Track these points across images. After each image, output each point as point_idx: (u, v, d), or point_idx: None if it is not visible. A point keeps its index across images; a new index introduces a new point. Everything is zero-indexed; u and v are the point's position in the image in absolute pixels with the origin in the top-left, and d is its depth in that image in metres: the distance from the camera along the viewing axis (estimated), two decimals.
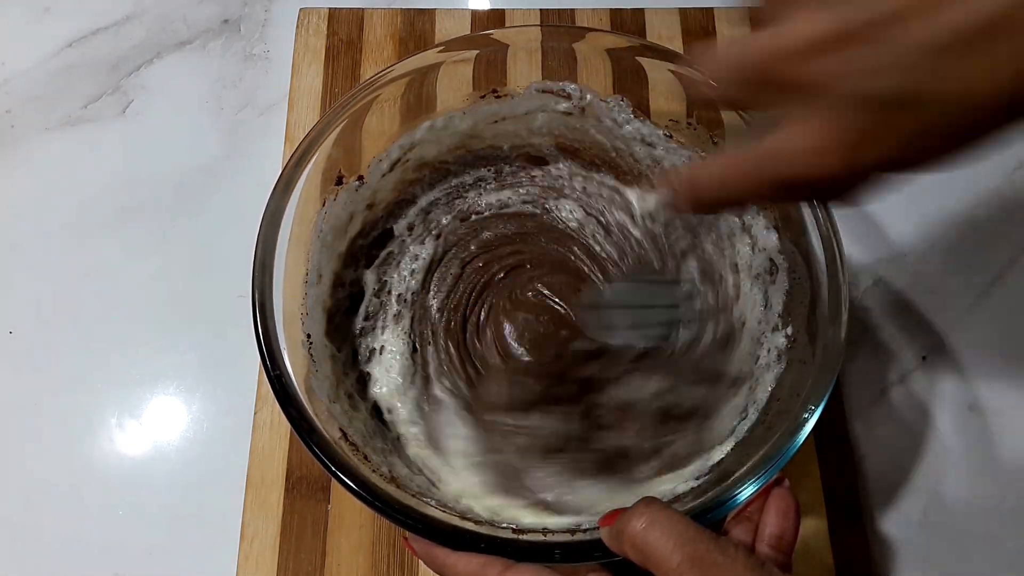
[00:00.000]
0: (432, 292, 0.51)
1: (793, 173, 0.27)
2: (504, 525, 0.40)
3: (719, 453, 0.42)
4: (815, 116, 0.26)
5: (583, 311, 0.48)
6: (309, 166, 0.43)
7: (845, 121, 0.25)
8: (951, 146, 0.26)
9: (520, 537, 0.36)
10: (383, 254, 0.51)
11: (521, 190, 0.54)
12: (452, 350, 0.49)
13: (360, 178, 0.48)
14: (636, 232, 0.52)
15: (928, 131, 0.25)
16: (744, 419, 0.43)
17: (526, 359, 0.48)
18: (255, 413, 0.50)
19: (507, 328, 0.49)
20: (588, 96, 0.50)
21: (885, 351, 0.54)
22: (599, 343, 0.46)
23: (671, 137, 0.49)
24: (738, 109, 0.34)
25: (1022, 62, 0.23)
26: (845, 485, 0.49)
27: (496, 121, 0.51)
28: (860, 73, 0.25)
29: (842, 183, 0.27)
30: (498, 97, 0.50)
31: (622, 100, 0.49)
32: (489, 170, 0.54)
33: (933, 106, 0.24)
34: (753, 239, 0.48)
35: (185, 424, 0.51)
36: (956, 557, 0.48)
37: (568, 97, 0.50)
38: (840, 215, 0.42)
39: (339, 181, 0.47)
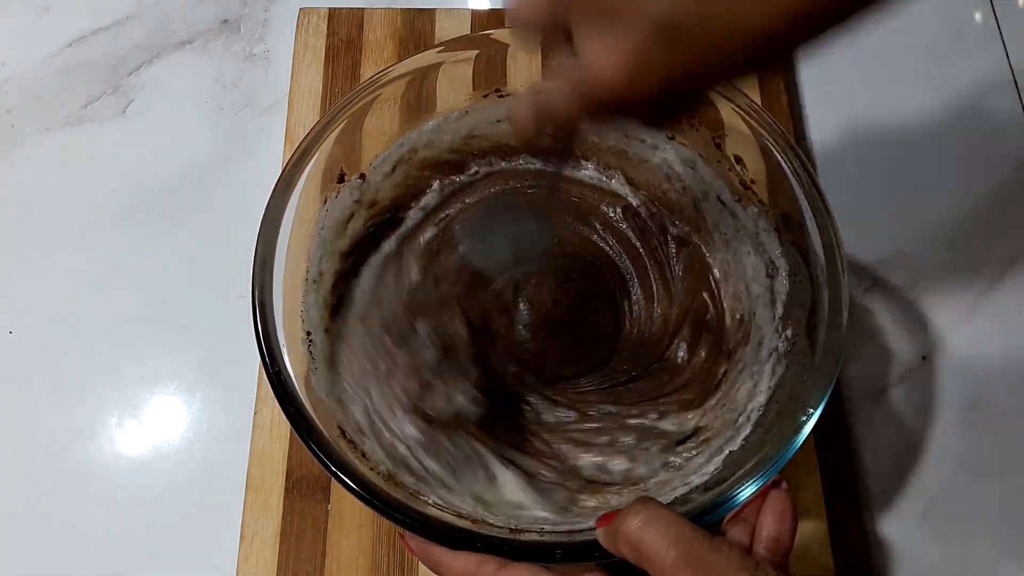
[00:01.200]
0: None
1: (595, 90, 0.30)
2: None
3: (717, 457, 0.43)
4: (607, 37, 0.29)
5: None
6: (310, 165, 0.43)
7: (632, 41, 0.28)
8: (728, 68, 0.29)
9: (517, 536, 0.36)
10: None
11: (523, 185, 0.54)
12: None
13: (362, 176, 0.48)
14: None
15: (704, 53, 0.28)
16: (744, 421, 0.44)
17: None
18: (255, 413, 0.50)
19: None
20: None
21: (885, 351, 0.54)
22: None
23: (673, 138, 0.49)
24: (541, 38, 0.36)
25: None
26: (845, 485, 0.49)
27: (499, 120, 0.51)
28: (644, 1, 0.27)
29: (643, 95, 0.29)
30: (501, 96, 0.50)
31: None
32: (490, 167, 0.54)
33: (701, 34, 0.27)
34: (755, 240, 0.48)
35: (185, 424, 0.51)
36: (956, 557, 0.48)
37: None
38: (840, 216, 0.42)
39: (341, 179, 0.47)
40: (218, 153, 0.59)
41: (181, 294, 0.55)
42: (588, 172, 0.54)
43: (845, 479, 0.49)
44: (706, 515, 0.35)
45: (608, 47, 0.29)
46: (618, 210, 0.53)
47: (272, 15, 0.64)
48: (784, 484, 0.36)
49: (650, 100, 0.30)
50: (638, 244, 0.52)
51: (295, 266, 0.43)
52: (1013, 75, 0.62)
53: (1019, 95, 0.62)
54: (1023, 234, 0.57)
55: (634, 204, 0.53)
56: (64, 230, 0.57)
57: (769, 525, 0.34)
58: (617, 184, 0.53)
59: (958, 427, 0.51)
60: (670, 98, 0.30)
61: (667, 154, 0.50)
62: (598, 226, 0.53)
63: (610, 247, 0.52)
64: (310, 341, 0.43)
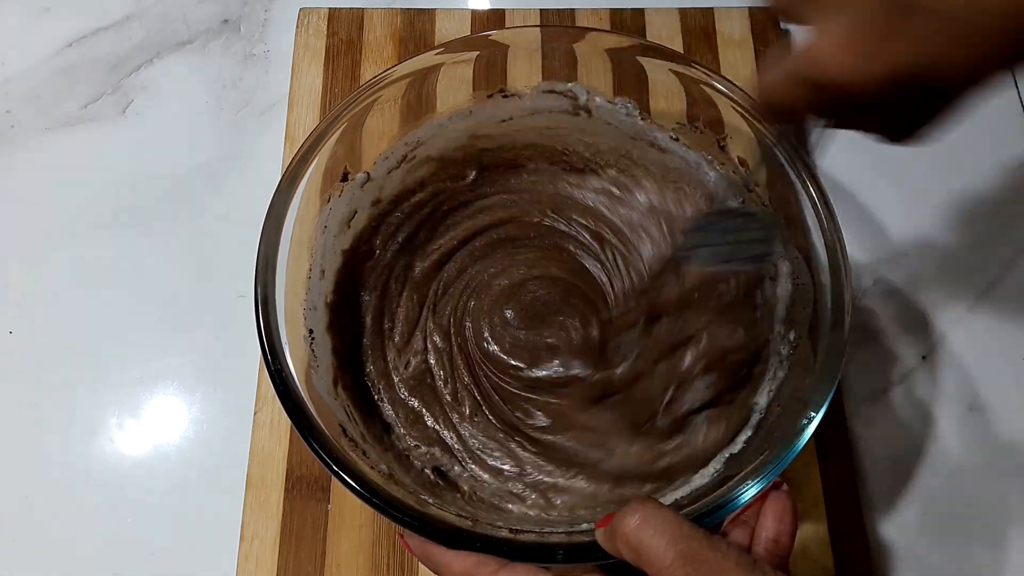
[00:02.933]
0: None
1: (822, 72, 0.30)
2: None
3: (719, 460, 0.42)
4: (836, 22, 0.29)
5: (677, 249, 0.48)
6: (313, 163, 0.43)
7: (861, 24, 0.28)
8: (961, 57, 0.28)
9: (516, 537, 0.36)
10: None
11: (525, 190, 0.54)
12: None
13: (367, 174, 0.48)
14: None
15: (937, 36, 0.27)
16: (746, 423, 0.43)
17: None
18: (255, 413, 0.50)
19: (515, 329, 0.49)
20: (596, 98, 0.50)
21: (885, 351, 0.54)
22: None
23: (678, 140, 0.49)
24: (783, 16, 0.36)
25: None
26: (845, 486, 0.49)
27: (503, 120, 0.51)
28: None
29: (868, 86, 0.29)
30: (505, 97, 0.50)
31: (629, 102, 0.49)
32: (495, 168, 0.54)
33: (941, 13, 0.26)
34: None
35: (185, 424, 0.51)
36: (956, 557, 0.48)
37: (575, 98, 0.50)
38: (841, 216, 0.42)
39: (344, 177, 0.47)
40: (218, 153, 0.59)
41: (181, 294, 0.55)
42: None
43: (845, 479, 0.49)
44: (707, 517, 0.35)
45: (834, 26, 0.28)
46: None
47: (272, 15, 0.64)
48: (784, 486, 0.36)
49: (879, 91, 0.29)
50: None
51: (297, 264, 0.43)
52: (1013, 75, 0.62)
53: (1019, 95, 0.62)
54: (1023, 234, 0.57)
55: None
56: (64, 230, 0.57)
57: (769, 526, 0.34)
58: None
59: (958, 427, 0.51)
60: (904, 95, 0.29)
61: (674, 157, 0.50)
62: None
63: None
64: (312, 339, 0.44)
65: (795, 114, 0.34)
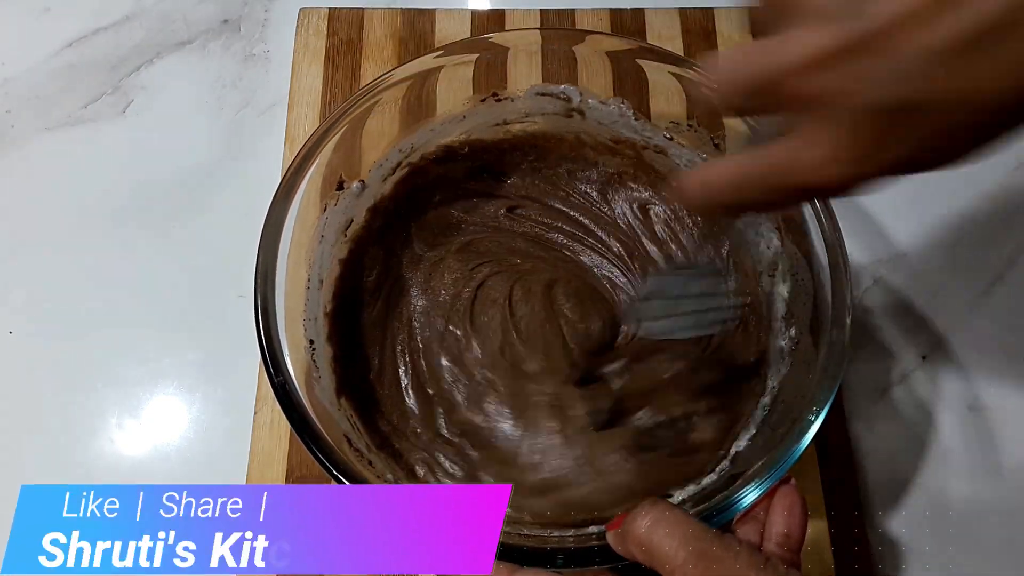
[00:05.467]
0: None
1: (803, 182, 0.27)
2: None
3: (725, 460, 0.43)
4: (822, 129, 0.26)
5: (627, 304, 0.47)
6: (310, 172, 0.43)
7: (852, 133, 0.25)
8: (959, 149, 0.26)
9: (525, 543, 0.36)
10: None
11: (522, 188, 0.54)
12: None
13: (362, 183, 0.48)
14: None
15: (935, 135, 0.25)
16: (750, 421, 0.44)
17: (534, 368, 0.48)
18: (255, 413, 0.50)
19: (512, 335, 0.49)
20: (589, 100, 0.50)
21: (885, 351, 0.54)
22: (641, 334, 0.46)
23: (672, 139, 0.49)
24: (742, 116, 0.34)
25: None
26: (846, 485, 0.49)
27: (497, 124, 0.51)
28: (865, 85, 0.25)
29: (849, 188, 0.27)
30: (498, 100, 0.50)
31: (623, 103, 0.49)
32: (490, 171, 0.54)
33: (939, 111, 0.24)
34: (761, 239, 0.48)
35: (185, 424, 0.51)
36: (957, 557, 0.48)
37: (568, 100, 0.50)
38: (840, 215, 0.42)
39: (340, 186, 0.47)
40: (218, 153, 0.59)
41: (181, 294, 0.55)
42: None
43: (845, 479, 0.49)
44: (715, 516, 0.35)
45: (825, 142, 0.26)
46: None
47: (272, 15, 0.64)
48: (792, 480, 0.36)
49: (867, 185, 0.27)
50: None
51: (296, 274, 0.43)
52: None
53: None
54: (1023, 234, 0.57)
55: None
56: (64, 230, 0.57)
57: (779, 521, 0.34)
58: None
59: (958, 427, 0.51)
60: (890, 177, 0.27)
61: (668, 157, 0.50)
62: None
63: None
64: (313, 349, 0.43)
65: (737, 213, 0.33)
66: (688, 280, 0.43)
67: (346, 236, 0.48)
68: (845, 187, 0.27)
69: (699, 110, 0.47)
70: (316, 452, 0.36)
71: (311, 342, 0.44)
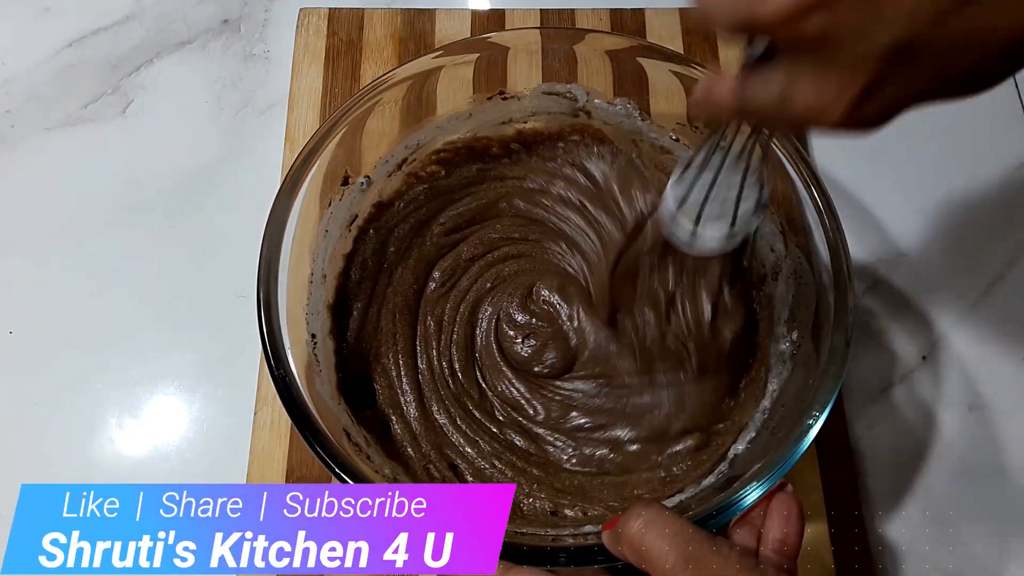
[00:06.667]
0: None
1: (802, 118, 0.28)
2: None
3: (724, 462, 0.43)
4: (822, 73, 0.27)
5: (668, 217, 0.40)
6: (314, 168, 0.43)
7: (852, 77, 0.26)
8: (956, 88, 0.27)
9: (522, 540, 0.36)
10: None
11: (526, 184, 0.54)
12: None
13: (367, 178, 0.48)
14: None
15: (932, 77, 0.26)
16: (750, 424, 0.43)
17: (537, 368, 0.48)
18: (255, 413, 0.50)
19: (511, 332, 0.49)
20: (596, 100, 0.49)
21: (885, 351, 0.54)
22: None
23: (678, 140, 0.49)
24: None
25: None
26: (845, 485, 0.49)
27: (503, 122, 0.51)
28: (866, 28, 0.25)
29: (852, 128, 0.28)
30: (505, 99, 0.50)
31: (629, 103, 0.49)
32: (495, 170, 0.54)
33: (936, 54, 0.25)
34: (763, 240, 0.48)
35: (185, 424, 0.51)
36: (957, 557, 0.48)
37: (575, 99, 0.50)
38: (841, 216, 0.42)
39: (345, 181, 0.47)
40: (218, 153, 0.59)
41: (181, 294, 0.55)
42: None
43: (845, 479, 0.49)
44: (713, 518, 0.35)
45: (831, 86, 0.26)
46: None
47: (272, 15, 0.64)
48: (789, 487, 0.36)
49: (873, 124, 0.28)
50: None
51: (299, 269, 0.43)
52: (1013, 75, 0.62)
53: (1019, 95, 0.62)
54: (1023, 234, 0.57)
55: None
56: (64, 230, 0.57)
57: (775, 527, 0.34)
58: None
59: (958, 427, 0.51)
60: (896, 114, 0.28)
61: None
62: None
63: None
64: (314, 343, 0.43)
65: (736, 119, 0.32)
66: (708, 176, 0.38)
67: (350, 231, 0.48)
68: (842, 128, 0.28)
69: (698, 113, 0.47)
70: (315, 446, 0.36)
71: (312, 336, 0.44)
